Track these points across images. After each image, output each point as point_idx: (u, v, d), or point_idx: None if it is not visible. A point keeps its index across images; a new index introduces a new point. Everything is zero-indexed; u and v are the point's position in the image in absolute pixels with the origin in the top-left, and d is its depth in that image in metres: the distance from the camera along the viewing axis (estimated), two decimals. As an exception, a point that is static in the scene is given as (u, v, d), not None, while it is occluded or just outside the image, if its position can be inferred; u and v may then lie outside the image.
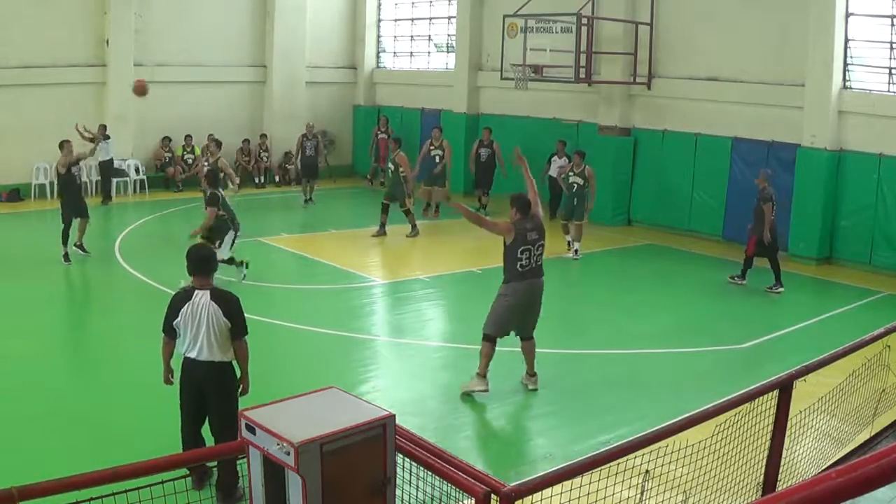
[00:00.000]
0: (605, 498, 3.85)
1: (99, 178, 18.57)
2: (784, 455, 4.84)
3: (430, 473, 3.51)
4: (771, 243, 12.43)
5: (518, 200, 8.17)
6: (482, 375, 8.13)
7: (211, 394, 5.89)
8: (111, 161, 18.45)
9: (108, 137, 17.93)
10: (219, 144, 14.17)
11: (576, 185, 14.28)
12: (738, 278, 12.90)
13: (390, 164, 15.49)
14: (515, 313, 8.18)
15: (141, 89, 13.15)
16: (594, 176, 14.34)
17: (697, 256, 15.05)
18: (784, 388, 4.69)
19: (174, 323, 5.90)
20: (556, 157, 17.06)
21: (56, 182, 12.88)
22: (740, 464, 4.69)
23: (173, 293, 6.18)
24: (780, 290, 12.53)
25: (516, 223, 8.07)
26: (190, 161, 20.24)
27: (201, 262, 5.99)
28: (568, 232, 14.58)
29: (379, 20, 23.60)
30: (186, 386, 5.99)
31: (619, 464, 3.79)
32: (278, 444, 3.22)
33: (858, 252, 14.10)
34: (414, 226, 15.67)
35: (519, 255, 7.99)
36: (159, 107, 19.89)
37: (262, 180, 21.17)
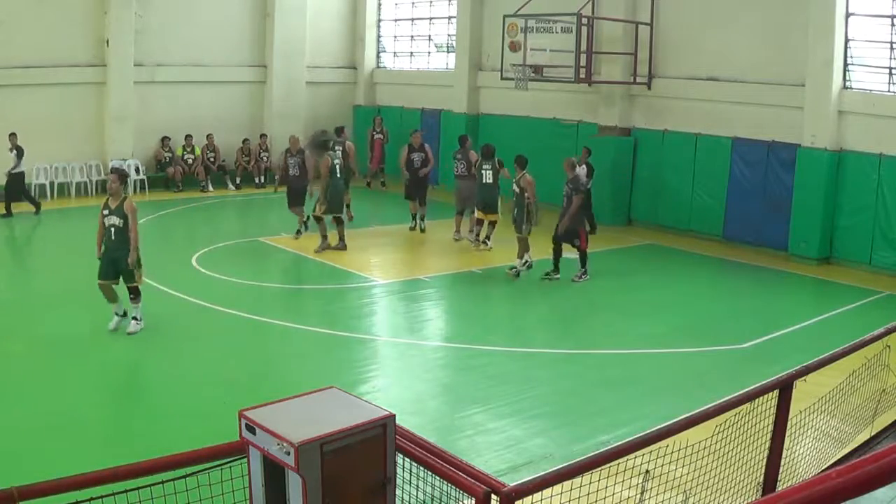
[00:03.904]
0: (605, 498, 3.84)
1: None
2: (784, 455, 4.83)
3: (430, 473, 3.51)
4: (573, 231, 12.60)
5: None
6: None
7: None
8: (21, 175, 16.62)
9: (17, 149, 16.40)
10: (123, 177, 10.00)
11: (514, 193, 13.12)
12: (554, 273, 12.75)
13: (515, 188, 13.11)
14: (460, 198, 15.05)
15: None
16: (533, 186, 12.87)
17: (697, 256, 15.06)
18: (784, 388, 4.69)
19: None
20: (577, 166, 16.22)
21: None
22: (740, 464, 4.68)
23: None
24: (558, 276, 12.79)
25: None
26: (190, 161, 20.26)
27: None
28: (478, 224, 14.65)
29: (379, 20, 23.61)
30: None
31: (619, 464, 3.79)
32: (278, 444, 3.21)
33: (858, 252, 14.09)
34: (334, 238, 14.23)
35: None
36: (159, 107, 19.90)
37: (262, 180, 21.15)
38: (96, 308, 9.80)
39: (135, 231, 9.43)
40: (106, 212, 9.46)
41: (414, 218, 16.21)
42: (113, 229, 9.41)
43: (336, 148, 15.46)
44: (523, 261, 12.99)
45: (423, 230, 16.06)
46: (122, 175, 9.75)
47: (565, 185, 12.74)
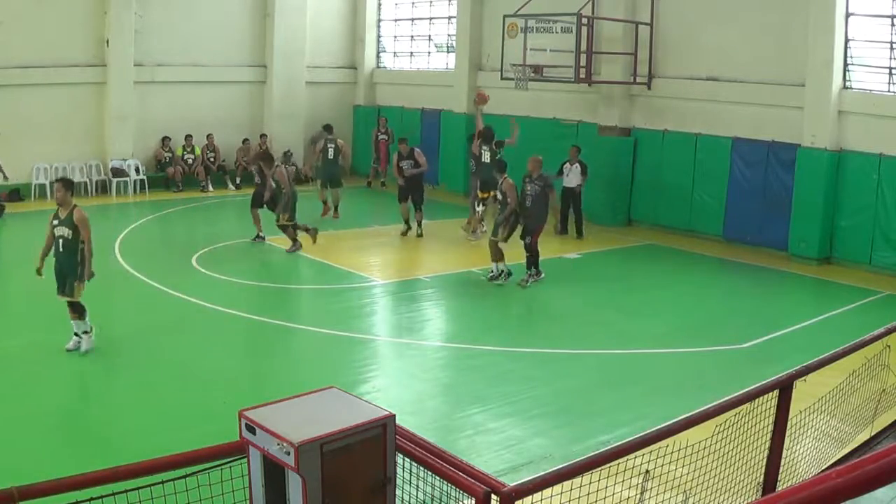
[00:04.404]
0: (605, 498, 3.84)
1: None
2: (784, 455, 4.83)
3: (430, 473, 3.51)
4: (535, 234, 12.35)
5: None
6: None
7: None
8: None
9: None
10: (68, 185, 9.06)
11: (497, 200, 12.89)
12: (536, 275, 12.48)
13: (497, 193, 12.78)
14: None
15: (482, 99, 16.33)
16: (513, 190, 12.39)
17: (697, 256, 15.05)
18: (784, 388, 4.69)
19: None
20: (567, 165, 16.07)
21: None
22: (740, 464, 4.68)
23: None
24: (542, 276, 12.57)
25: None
26: (190, 161, 20.26)
27: None
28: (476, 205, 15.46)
29: (379, 20, 23.61)
30: None
31: (619, 464, 3.79)
32: (278, 444, 3.21)
33: (858, 252, 14.09)
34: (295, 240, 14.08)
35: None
36: (159, 107, 19.90)
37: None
38: (96, 308, 9.79)
39: (88, 243, 8.75)
40: (56, 222, 8.78)
41: (406, 223, 15.68)
42: (61, 241, 8.73)
43: (329, 145, 16.38)
44: (500, 270, 12.51)
45: (420, 235, 15.62)
46: (66, 183, 8.85)
47: (530, 183, 12.37)
